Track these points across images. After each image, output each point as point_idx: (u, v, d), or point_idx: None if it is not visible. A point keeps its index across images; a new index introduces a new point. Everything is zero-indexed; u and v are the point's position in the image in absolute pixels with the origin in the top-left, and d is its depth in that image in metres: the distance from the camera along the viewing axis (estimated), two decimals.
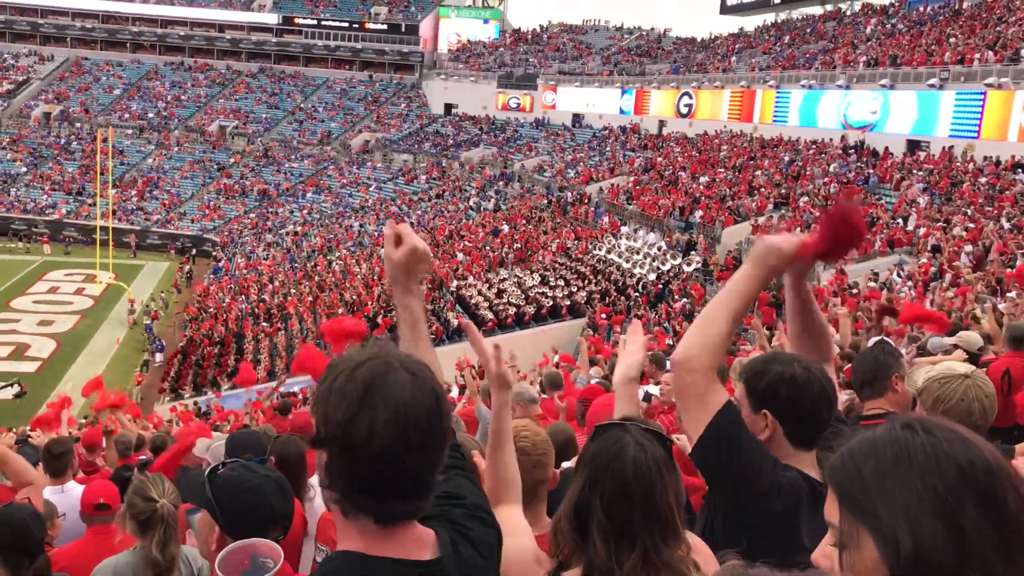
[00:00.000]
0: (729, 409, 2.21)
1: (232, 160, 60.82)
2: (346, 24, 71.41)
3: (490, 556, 1.72)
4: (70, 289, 41.54)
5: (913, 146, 33.87)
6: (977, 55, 32.59)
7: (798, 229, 26.74)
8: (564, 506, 1.94)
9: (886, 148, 33.94)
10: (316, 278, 38.77)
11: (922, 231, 23.66)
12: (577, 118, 58.00)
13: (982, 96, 31.24)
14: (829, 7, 53.34)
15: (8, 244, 49.41)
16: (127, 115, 65.55)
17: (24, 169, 58.11)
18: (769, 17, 58.43)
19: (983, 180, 26.92)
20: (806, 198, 30.69)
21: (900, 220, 25.87)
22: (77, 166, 58.44)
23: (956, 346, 6.25)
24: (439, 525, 1.61)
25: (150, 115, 65.46)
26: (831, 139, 37.14)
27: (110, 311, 38.11)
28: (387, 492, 1.47)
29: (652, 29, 69.42)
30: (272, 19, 72.02)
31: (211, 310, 37.58)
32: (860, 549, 1.16)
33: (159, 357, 33.05)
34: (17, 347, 32.39)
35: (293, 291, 37.94)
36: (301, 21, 71.79)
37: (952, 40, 35.55)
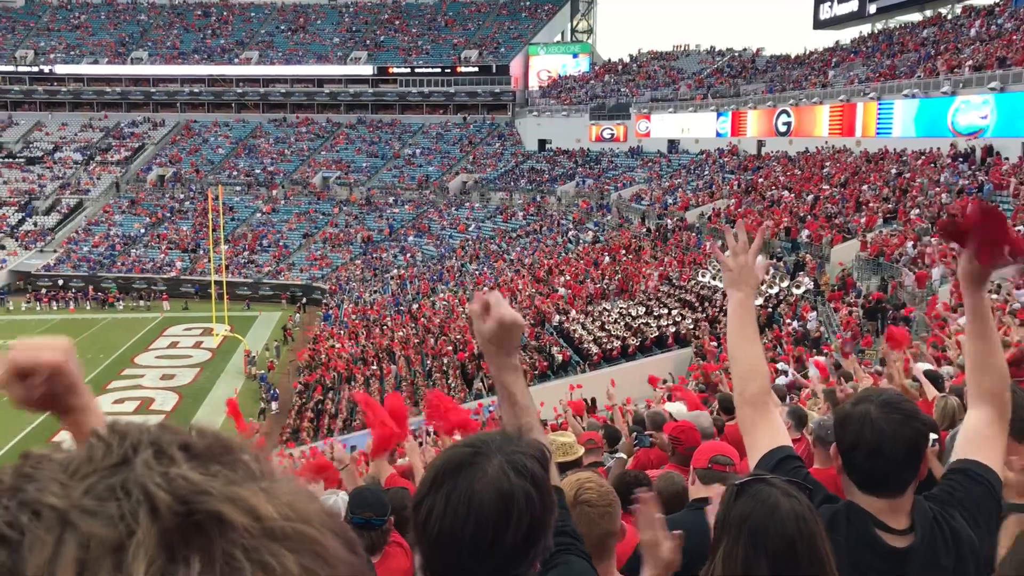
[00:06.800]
0: (771, 456, 2.32)
1: (336, 210, 62.53)
2: (438, 70, 72.94)
3: None
4: (189, 343, 43.20)
5: None
6: None
7: (911, 245, 25.61)
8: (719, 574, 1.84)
9: (998, 153, 32.47)
10: (422, 320, 39.24)
11: None
12: (672, 144, 57.41)
13: None
14: (929, 13, 51.39)
15: (131, 303, 51.80)
16: (235, 172, 68.28)
17: (143, 230, 61.06)
18: (865, 28, 56.60)
19: None
20: (917, 211, 29.55)
21: (1021, 227, 24.58)
22: (191, 224, 61.06)
23: None
24: None
25: (256, 171, 68.01)
26: (939, 148, 35.73)
27: (227, 363, 39.43)
28: None
29: (744, 49, 68.55)
30: (367, 70, 74.11)
31: (323, 357, 38.41)
32: None
33: (275, 406, 33.96)
34: (143, 401, 33.76)
35: (400, 334, 38.47)
36: (395, 70, 73.65)
37: None
